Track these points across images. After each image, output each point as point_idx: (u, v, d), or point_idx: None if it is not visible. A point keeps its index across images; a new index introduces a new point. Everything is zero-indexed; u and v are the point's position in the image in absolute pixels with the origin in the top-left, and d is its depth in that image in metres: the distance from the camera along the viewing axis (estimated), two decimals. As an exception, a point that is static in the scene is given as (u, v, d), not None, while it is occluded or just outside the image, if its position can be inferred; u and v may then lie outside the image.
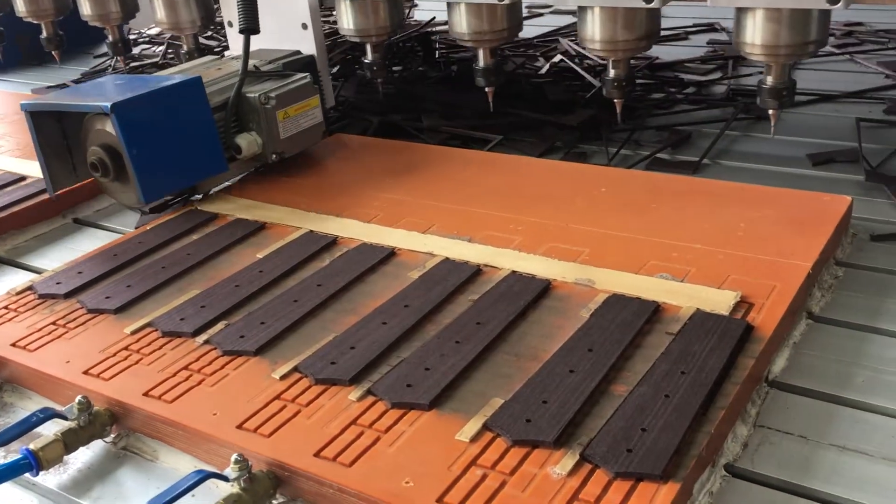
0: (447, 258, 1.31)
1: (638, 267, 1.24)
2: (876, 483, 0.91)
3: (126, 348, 1.16)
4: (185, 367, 1.10)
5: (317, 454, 0.92)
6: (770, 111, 1.55)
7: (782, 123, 1.94)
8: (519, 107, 2.10)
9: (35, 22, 2.50)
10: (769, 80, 1.51)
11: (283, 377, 1.06)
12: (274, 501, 0.93)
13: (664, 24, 2.80)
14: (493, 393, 1.00)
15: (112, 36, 2.39)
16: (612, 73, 1.65)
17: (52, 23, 2.52)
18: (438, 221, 1.45)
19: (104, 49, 3.05)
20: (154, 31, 3.30)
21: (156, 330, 1.19)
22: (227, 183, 1.71)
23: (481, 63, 1.78)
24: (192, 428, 0.99)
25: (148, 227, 1.52)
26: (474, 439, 0.93)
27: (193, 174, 1.58)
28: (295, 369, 1.07)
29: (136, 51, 3.22)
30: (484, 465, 0.89)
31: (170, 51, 2.96)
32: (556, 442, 0.91)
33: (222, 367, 1.10)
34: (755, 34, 1.43)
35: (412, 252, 1.35)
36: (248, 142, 1.62)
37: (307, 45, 1.91)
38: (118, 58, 2.51)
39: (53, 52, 2.63)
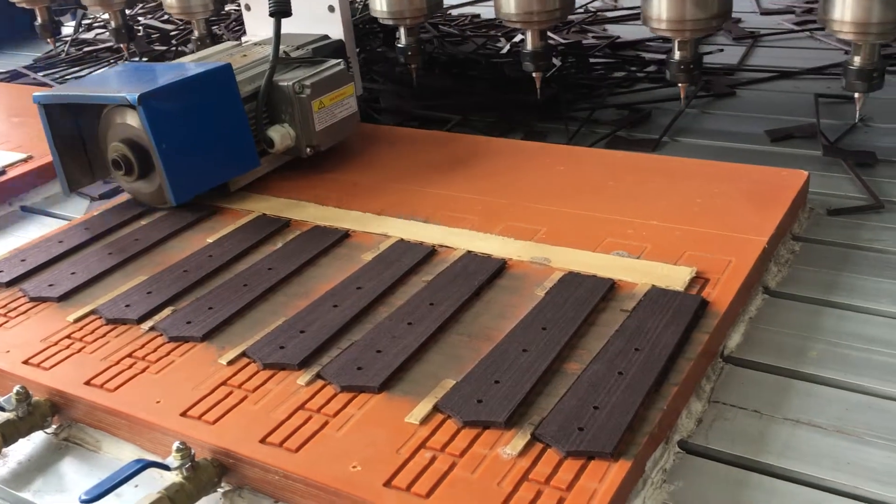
0: (401, 239, 1.29)
1: (594, 245, 1.23)
2: (829, 456, 0.90)
3: (68, 336, 1.12)
4: (130, 355, 1.07)
5: (262, 440, 0.90)
6: (856, 94, 1.48)
7: (741, 100, 1.95)
8: (479, 86, 2.07)
9: (28, 7, 2.40)
10: (857, 60, 1.43)
11: (230, 363, 1.03)
12: (219, 490, 0.91)
13: (627, 2, 2.82)
14: (445, 374, 0.98)
15: (115, 22, 2.27)
16: (677, 55, 1.54)
17: (47, 8, 2.42)
18: (394, 203, 1.42)
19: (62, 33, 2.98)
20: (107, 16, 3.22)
21: (100, 317, 1.16)
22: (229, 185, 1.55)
23: (529, 46, 1.65)
24: (134, 416, 0.96)
25: (95, 213, 1.48)
26: (424, 421, 0.91)
27: (225, 171, 1.44)
28: (243, 354, 1.05)
29: (90, 35, 3.15)
30: (433, 448, 0.87)
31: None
32: (507, 422, 0.89)
33: (168, 354, 1.06)
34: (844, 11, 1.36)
35: (366, 234, 1.32)
36: (280, 134, 1.48)
37: (334, 28, 1.76)
38: (122, 45, 2.37)
39: (49, 40, 2.54)
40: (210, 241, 1.34)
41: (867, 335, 1.08)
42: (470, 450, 0.86)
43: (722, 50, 2.25)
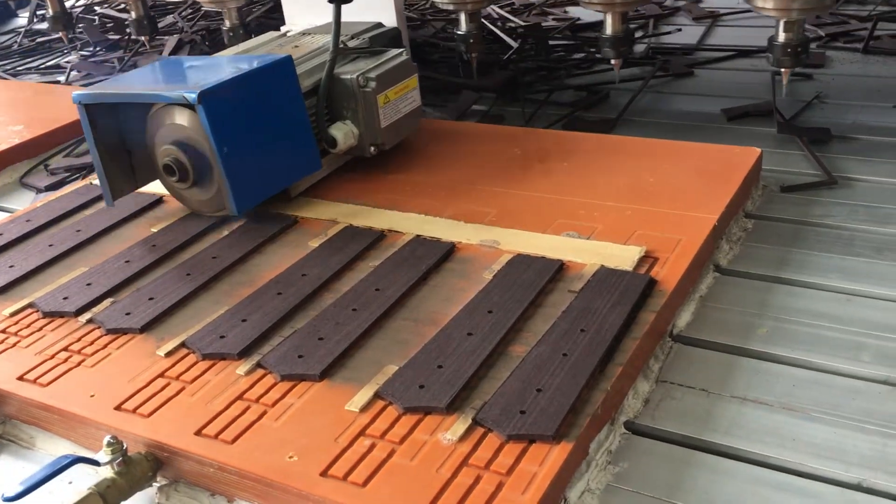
0: (350, 225, 1.26)
1: (545, 226, 1.21)
2: (775, 433, 0.89)
3: (3, 331, 1.08)
4: (65, 349, 1.04)
5: (198, 432, 0.87)
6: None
7: (699, 80, 1.94)
8: (436, 70, 2.04)
9: None
10: (608, 30, 1.46)
11: (168, 354, 1.00)
12: (155, 484, 0.89)
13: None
14: (388, 360, 0.96)
15: (136, 13, 2.17)
16: (782, 37, 1.47)
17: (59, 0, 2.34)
18: (344, 188, 1.39)
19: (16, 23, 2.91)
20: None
21: (37, 311, 1.12)
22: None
23: (609, 31, 1.56)
24: (67, 411, 0.93)
25: (38, 205, 1.44)
26: (365, 409, 0.89)
27: (287, 175, 1.31)
28: (182, 345, 1.02)
29: (44, 25, 3.08)
30: (373, 435, 0.85)
31: (80, 25, 2.83)
32: (448, 407, 0.87)
33: (104, 347, 1.03)
34: None
35: (314, 220, 1.29)
36: (343, 133, 1.35)
37: (387, 15, 1.63)
38: (143, 38, 2.26)
39: (61, 34, 2.44)
40: (154, 230, 1.31)
41: (816, 311, 1.07)
42: (410, 436, 0.84)
43: (680, 30, 2.24)
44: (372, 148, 1.39)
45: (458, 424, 0.85)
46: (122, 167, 1.30)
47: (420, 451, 0.82)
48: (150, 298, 1.11)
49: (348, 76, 1.35)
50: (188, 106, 1.19)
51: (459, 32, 1.72)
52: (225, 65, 1.29)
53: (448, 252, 1.17)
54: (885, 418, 0.89)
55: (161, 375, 0.97)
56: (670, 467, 0.86)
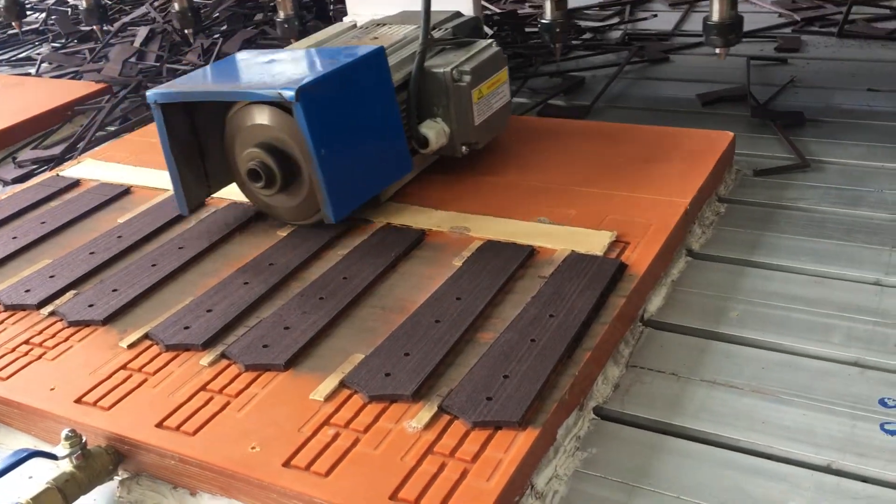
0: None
1: (517, 212, 1.20)
2: (745, 416, 0.88)
3: (-37, 325, 1.07)
4: (26, 342, 1.01)
5: (158, 425, 0.86)
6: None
7: (675, 66, 1.93)
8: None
9: None
10: (715, 16, 1.41)
11: (131, 346, 0.98)
12: (116, 478, 0.87)
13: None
14: (355, 349, 0.95)
15: (87, 1, 2.10)
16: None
17: None
18: (316, 176, 1.38)
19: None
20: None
21: (-2, 304, 1.10)
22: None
23: (716, 17, 1.43)
24: (26, 405, 0.91)
25: (3, 198, 1.41)
26: (329, 398, 0.87)
27: (381, 178, 1.21)
28: (145, 336, 1.00)
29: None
30: (337, 424, 0.84)
31: (52, 17, 2.79)
32: (414, 395, 0.86)
33: (66, 340, 1.01)
34: None
35: (284, 209, 1.28)
36: (435, 131, 1.24)
37: (463, 4, 1.52)
38: (13, 21, 2.22)
39: (14, 23, 2.37)
40: (121, 221, 1.28)
41: (788, 294, 1.07)
42: (375, 425, 0.83)
43: (656, 15, 2.23)
44: (464, 148, 1.28)
45: (424, 412, 0.84)
46: (196, 173, 1.20)
47: (385, 439, 0.81)
48: (114, 290, 1.09)
49: (440, 69, 1.23)
50: (277, 105, 1.10)
51: (544, 21, 1.64)
52: (312, 59, 1.18)
53: (418, 239, 1.15)
54: (855, 400, 0.88)
55: (123, 367, 0.95)
56: (639, 452, 0.85)
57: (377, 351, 0.93)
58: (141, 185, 1.39)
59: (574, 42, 2.09)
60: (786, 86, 1.70)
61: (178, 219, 1.27)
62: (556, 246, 1.10)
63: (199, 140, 1.20)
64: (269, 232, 1.21)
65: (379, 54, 1.17)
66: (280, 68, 1.16)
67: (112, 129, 1.77)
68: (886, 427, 0.85)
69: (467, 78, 1.24)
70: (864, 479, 0.80)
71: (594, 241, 1.10)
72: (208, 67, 1.26)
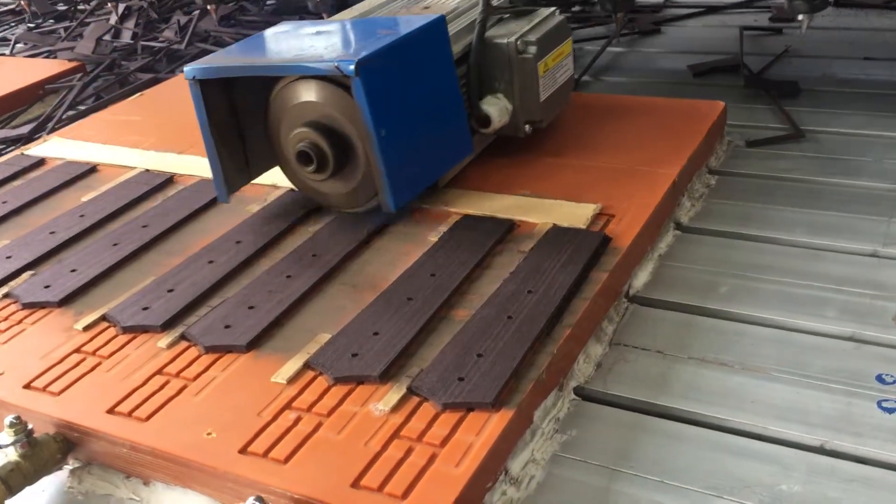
0: (292, 189, 1.19)
1: (499, 186, 1.14)
2: (734, 395, 0.83)
3: (-87, 309, 1.01)
4: (-23, 326, 0.97)
5: (110, 410, 0.80)
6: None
7: (666, 37, 1.87)
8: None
9: None
10: None
11: (87, 328, 0.93)
12: (66, 467, 0.82)
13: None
14: (322, 328, 0.89)
15: None
16: None
17: None
18: (290, 152, 1.32)
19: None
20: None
21: (-49, 287, 1.05)
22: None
23: None
24: (-28, 392, 0.87)
25: (-36, 178, 1.36)
26: (292, 380, 0.82)
27: (441, 161, 1.10)
28: (102, 318, 0.95)
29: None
30: (299, 408, 0.79)
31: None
32: (381, 376, 0.81)
33: (19, 322, 0.96)
34: None
35: (255, 185, 1.22)
36: (498, 109, 1.13)
37: None
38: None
39: (110, 4, 2.27)
40: (85, 200, 1.23)
41: (781, 267, 1.01)
42: (339, 408, 0.78)
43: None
44: (527, 126, 1.17)
45: (392, 394, 0.79)
46: (236, 156, 1.09)
47: (349, 423, 0.76)
48: (73, 270, 1.04)
49: (503, 40, 1.12)
50: (330, 80, 1.00)
51: None
52: (367, 30, 1.07)
53: (394, 215, 1.10)
54: (850, 376, 0.83)
55: (76, 351, 0.90)
56: (621, 434, 0.80)
57: (345, 330, 0.88)
58: (108, 163, 1.34)
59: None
60: (780, 55, 1.64)
61: (144, 197, 1.22)
62: (537, 219, 1.05)
63: (239, 121, 1.09)
64: (238, 209, 1.16)
65: (440, 24, 1.06)
66: (331, 40, 1.05)
67: (83, 108, 1.72)
68: (884, 404, 0.80)
69: (533, 49, 1.13)
70: (860, 460, 0.75)
71: (577, 214, 1.04)
72: (249, 40, 1.15)
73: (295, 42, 1.07)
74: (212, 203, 1.18)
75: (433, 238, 1.03)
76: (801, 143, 1.30)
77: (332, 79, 0.99)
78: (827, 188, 1.17)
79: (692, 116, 1.27)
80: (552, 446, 0.79)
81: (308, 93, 1.02)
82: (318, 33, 1.08)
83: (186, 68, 1.04)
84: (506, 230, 1.03)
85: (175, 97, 1.62)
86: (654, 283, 1.01)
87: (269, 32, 1.14)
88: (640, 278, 1.02)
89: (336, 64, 0.95)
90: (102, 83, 1.82)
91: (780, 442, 0.78)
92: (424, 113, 1.05)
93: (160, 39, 2.03)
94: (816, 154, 1.27)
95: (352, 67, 0.93)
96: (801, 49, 1.68)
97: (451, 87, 1.08)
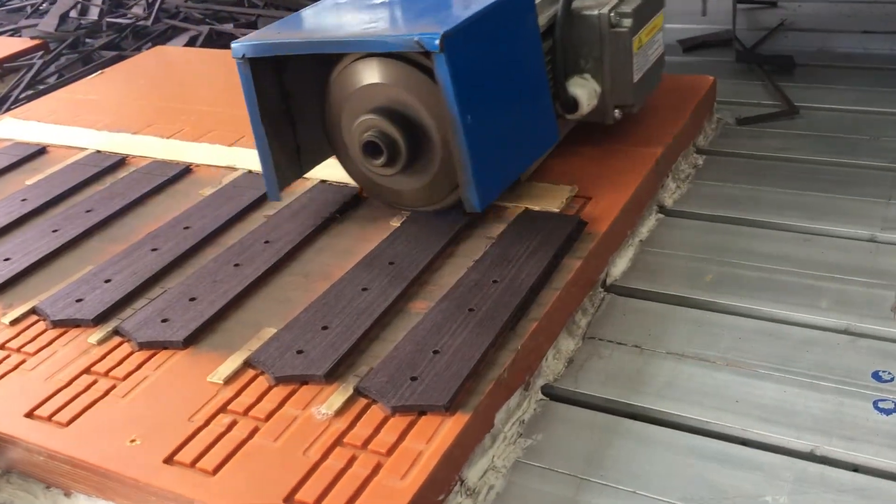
0: (250, 171, 1.11)
1: (467, 167, 1.07)
2: (716, 394, 0.76)
3: None
4: None
5: (28, 414, 0.73)
6: None
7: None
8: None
9: None
10: None
11: (14, 322, 0.86)
12: (-17, 476, 0.75)
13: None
14: (268, 322, 0.82)
15: None
16: None
17: None
18: (250, 132, 1.24)
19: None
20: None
21: None
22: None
23: None
24: None
25: None
26: (230, 380, 0.75)
27: (527, 152, 0.96)
28: (32, 311, 0.87)
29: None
30: (235, 411, 0.71)
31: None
32: (327, 376, 0.73)
33: (-58, 317, 0.89)
34: None
35: (211, 167, 1.14)
36: (587, 91, 1.00)
37: None
38: None
39: None
40: (29, 183, 1.15)
41: (771, 253, 0.94)
42: (279, 412, 0.71)
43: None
44: (616, 112, 1.04)
45: (337, 396, 0.71)
46: (287, 147, 0.96)
47: (288, 429, 0.69)
48: (6, 259, 0.96)
49: (593, 12, 0.99)
50: (403, 58, 0.86)
51: None
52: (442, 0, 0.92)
53: (354, 197, 1.02)
54: (843, 373, 0.76)
55: (1, 347, 0.83)
56: (592, 438, 0.73)
57: (291, 324, 0.80)
58: (58, 144, 1.26)
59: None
60: (775, 29, 1.56)
61: (92, 179, 1.14)
62: (508, 202, 0.97)
63: (290, 106, 0.95)
64: (191, 193, 1.08)
65: None
66: (403, 10, 0.92)
67: (42, 87, 1.64)
68: (880, 405, 0.73)
69: (628, 22, 0.98)
70: (854, 468, 0.68)
71: (551, 197, 0.96)
72: (303, 12, 0.99)
73: (360, 14, 0.93)
74: (164, 186, 1.10)
75: (395, 223, 0.96)
76: (794, 120, 1.22)
77: (404, 56, 0.86)
78: (821, 168, 1.09)
79: (678, 92, 1.19)
80: (515, 452, 0.72)
81: (376, 73, 0.89)
82: (386, 3, 0.94)
83: (235, 45, 0.90)
84: (473, 215, 0.95)
85: (136, 75, 1.54)
86: (634, 272, 0.94)
87: (328, 2, 0.99)
88: (619, 266, 0.94)
89: (417, 38, 0.81)
90: (65, 61, 1.74)
91: (765, 447, 0.70)
92: (510, 96, 0.91)
93: (128, 16, 1.94)
94: (811, 132, 1.19)
95: (437, 42, 0.79)
96: (797, 22, 1.60)
97: (537, 66, 0.94)
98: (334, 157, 1.00)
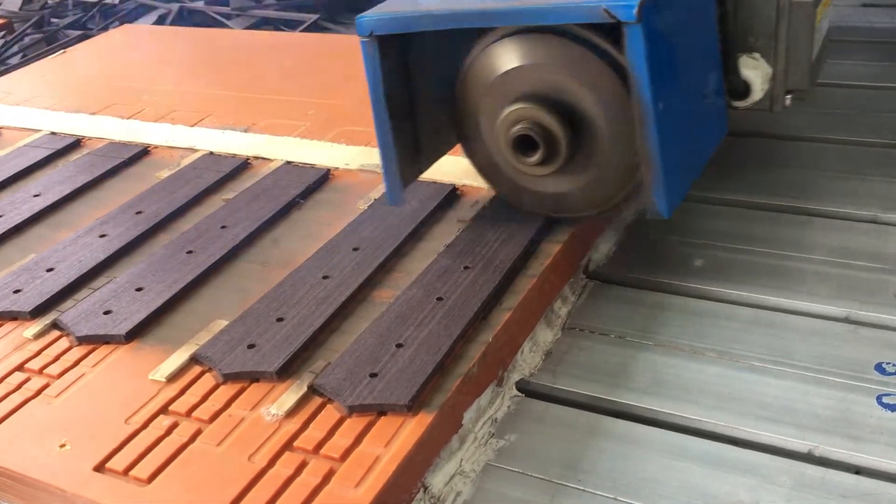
0: (210, 152, 1.04)
1: (442, 146, 1.00)
2: (707, 389, 0.70)
3: None
4: None
5: (-51, 417, 0.67)
6: None
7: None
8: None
9: None
10: None
11: (-56, 316, 0.80)
12: None
13: None
14: (220, 314, 0.75)
15: None
16: None
17: None
18: (216, 112, 1.17)
19: None
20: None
21: None
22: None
23: None
24: None
25: None
26: (174, 378, 0.68)
27: (704, 147, 0.85)
28: (-34, 304, 0.81)
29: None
30: (177, 412, 0.65)
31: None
32: (280, 372, 0.67)
33: None
34: None
35: (170, 148, 1.07)
36: (760, 74, 0.87)
37: None
38: None
39: None
40: (-24, 167, 1.08)
41: (766, 236, 0.87)
42: (224, 412, 0.64)
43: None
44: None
45: (289, 394, 0.65)
46: (406, 142, 0.82)
47: (233, 432, 0.62)
48: (-57, 248, 0.90)
49: None
50: (566, 34, 0.73)
51: None
52: None
53: (321, 180, 0.96)
54: (845, 366, 0.70)
55: (-72, 343, 0.76)
56: (570, 438, 0.66)
57: (244, 316, 0.73)
58: (11, 126, 1.19)
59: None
60: (770, 4, 1.50)
61: (43, 162, 1.07)
62: (483, 184, 0.90)
63: (412, 94, 0.82)
64: (147, 175, 1.01)
65: None
66: None
67: (2, 68, 1.56)
68: (884, 400, 0.67)
69: None
70: (857, 470, 0.62)
71: (530, 177, 0.90)
72: None
73: None
74: (119, 168, 1.03)
75: (362, 206, 0.89)
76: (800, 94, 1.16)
77: (564, 31, 0.74)
78: (819, 146, 1.03)
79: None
80: (486, 455, 0.66)
81: (530, 52, 0.76)
82: None
83: (362, 19, 0.77)
84: (446, 197, 0.88)
85: (99, 55, 1.47)
86: (619, 257, 0.87)
87: None
88: (602, 250, 0.87)
89: (605, 6, 0.67)
90: (29, 41, 1.67)
91: (760, 447, 0.64)
92: (692, 79, 0.79)
93: (98, -5, 1.87)
94: (808, 108, 1.12)
95: (634, 11, 0.66)
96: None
97: (713, 43, 0.82)
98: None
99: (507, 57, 0.77)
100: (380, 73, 0.76)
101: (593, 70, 0.74)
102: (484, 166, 0.85)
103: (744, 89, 0.87)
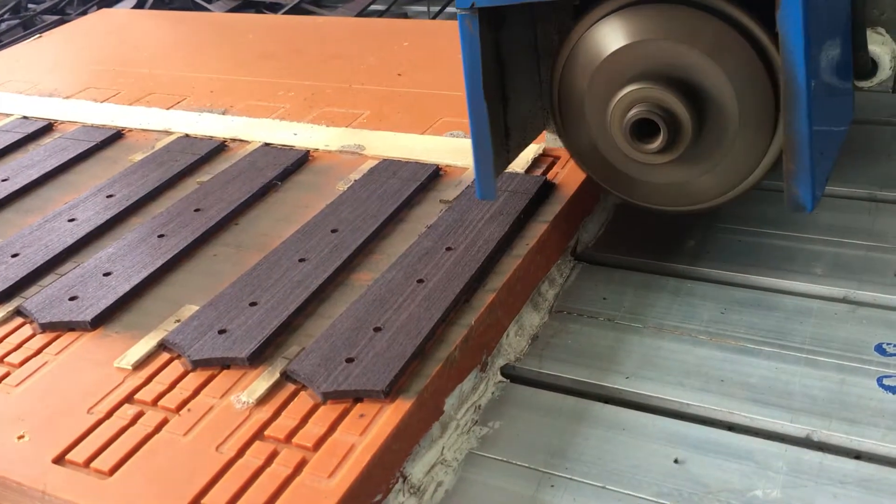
0: (186, 135, 1.01)
1: (425, 126, 0.97)
2: (699, 372, 0.67)
3: None
4: None
5: None
6: None
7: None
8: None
9: None
10: None
11: None
12: None
13: None
14: (190, 299, 0.72)
15: None
16: None
17: None
18: (194, 94, 1.13)
19: None
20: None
21: None
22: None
23: None
24: None
25: None
26: (141, 365, 0.65)
27: (838, 133, 0.75)
28: (-73, 291, 0.78)
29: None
30: (143, 401, 0.62)
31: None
32: (251, 358, 0.63)
33: None
34: None
35: (145, 131, 1.04)
36: (889, 51, 0.80)
37: None
38: None
39: None
40: (-56, 152, 1.05)
41: (760, 215, 0.84)
42: (193, 401, 0.61)
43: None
44: None
45: (261, 381, 0.61)
46: (497, 129, 0.74)
47: (201, 420, 0.59)
48: None
49: None
50: (694, 5, 0.67)
51: None
52: None
53: (299, 161, 0.92)
54: (843, 347, 0.67)
55: None
56: (557, 425, 0.64)
57: (215, 301, 0.70)
58: (-19, 110, 1.15)
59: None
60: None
61: (14, 147, 1.03)
62: (467, 163, 0.87)
63: (504, 75, 0.75)
64: (120, 159, 0.98)
65: None
66: None
67: (-23, 53, 1.52)
68: (885, 382, 0.64)
69: None
70: (857, 455, 0.59)
71: (516, 157, 0.87)
72: None
73: None
74: (91, 152, 1.00)
75: (341, 187, 0.86)
76: (784, 74, 1.13)
77: (694, 1, 0.67)
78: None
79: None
80: (468, 443, 0.63)
81: (646, 27, 0.68)
82: None
83: None
84: (429, 176, 0.85)
85: (76, 39, 1.43)
86: (608, 237, 0.84)
87: None
88: (591, 231, 0.85)
89: None
90: (5, 27, 1.63)
91: (755, 432, 0.61)
92: (834, 56, 0.71)
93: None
94: (802, 87, 1.09)
95: None
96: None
97: (846, 15, 0.74)
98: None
99: (619, 33, 0.70)
100: (479, 54, 0.69)
101: (726, 42, 0.67)
102: (582, 153, 0.76)
103: (870, 67, 0.80)
